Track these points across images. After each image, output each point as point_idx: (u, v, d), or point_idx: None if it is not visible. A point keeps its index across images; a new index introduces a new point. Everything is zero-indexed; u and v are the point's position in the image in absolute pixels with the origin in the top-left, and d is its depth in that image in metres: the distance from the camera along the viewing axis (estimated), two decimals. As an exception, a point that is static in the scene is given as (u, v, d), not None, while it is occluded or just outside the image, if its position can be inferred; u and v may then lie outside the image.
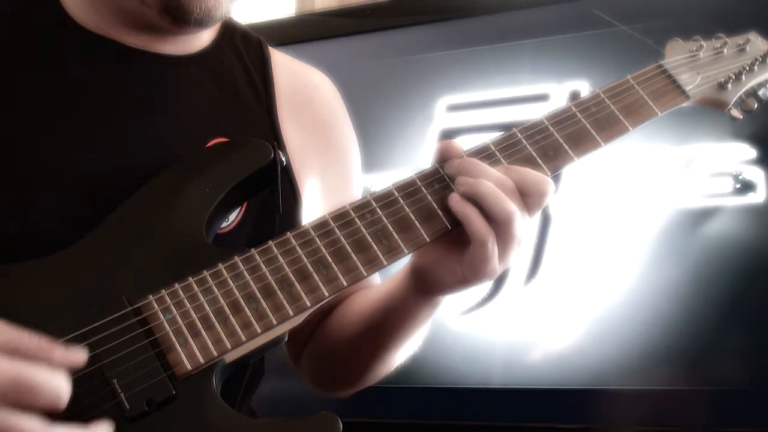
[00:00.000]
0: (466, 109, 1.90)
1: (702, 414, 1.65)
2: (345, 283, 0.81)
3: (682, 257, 1.67)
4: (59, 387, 0.66)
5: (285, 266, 0.80)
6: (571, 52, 1.80)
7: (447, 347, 1.80)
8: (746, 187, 1.64)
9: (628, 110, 0.92)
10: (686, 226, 1.68)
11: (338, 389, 1.08)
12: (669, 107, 0.94)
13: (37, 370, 0.65)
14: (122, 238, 0.82)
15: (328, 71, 1.14)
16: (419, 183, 0.85)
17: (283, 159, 0.90)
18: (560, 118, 0.90)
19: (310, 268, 0.80)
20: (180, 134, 0.93)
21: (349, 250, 0.82)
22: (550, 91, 1.82)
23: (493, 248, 0.81)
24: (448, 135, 1.90)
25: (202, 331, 0.77)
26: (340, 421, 0.77)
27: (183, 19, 0.90)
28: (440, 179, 0.85)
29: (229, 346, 0.77)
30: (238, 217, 0.94)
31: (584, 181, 1.75)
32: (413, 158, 1.90)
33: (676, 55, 0.98)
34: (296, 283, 0.80)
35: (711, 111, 1.01)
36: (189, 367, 0.76)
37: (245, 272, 0.80)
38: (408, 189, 0.85)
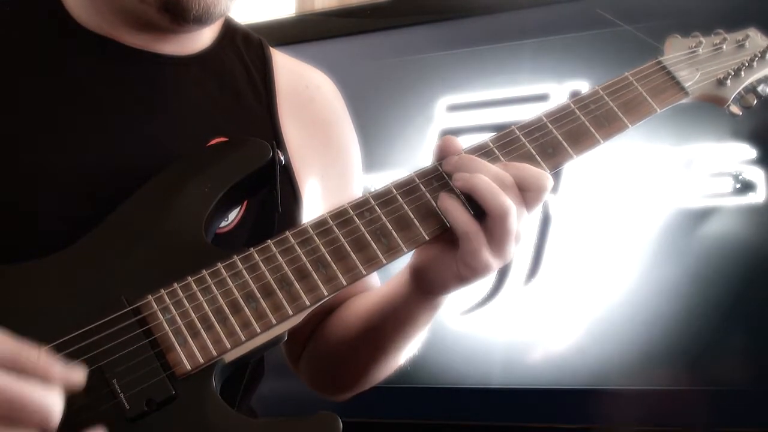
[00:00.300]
0: (466, 109, 1.90)
1: (702, 414, 1.65)
2: (344, 282, 0.81)
3: (682, 257, 1.67)
4: (51, 408, 0.65)
5: (284, 265, 0.80)
6: (571, 52, 1.80)
7: (447, 347, 1.80)
8: (746, 187, 1.64)
9: (627, 107, 0.91)
10: (686, 226, 1.68)
11: (337, 392, 1.08)
12: (668, 104, 0.94)
13: (32, 389, 0.64)
14: (121, 238, 0.82)
15: (328, 71, 1.14)
16: (418, 181, 0.85)
17: (282, 158, 0.90)
18: (559, 116, 0.90)
19: (309, 267, 0.80)
20: (180, 134, 0.93)
21: (348, 249, 0.81)
22: (550, 91, 1.82)
23: (478, 240, 0.80)
24: (448, 135, 1.90)
25: (202, 330, 0.77)
26: (340, 420, 0.76)
27: (182, 17, 0.90)
28: (439, 177, 0.85)
29: (228, 345, 0.77)
30: (238, 217, 0.93)
31: (584, 181, 1.75)
32: (413, 158, 1.90)
33: (675, 52, 0.98)
34: (295, 283, 0.80)
35: (711, 110, 1.01)
36: (188, 367, 0.75)
37: (244, 272, 0.80)
38: (407, 187, 0.85)
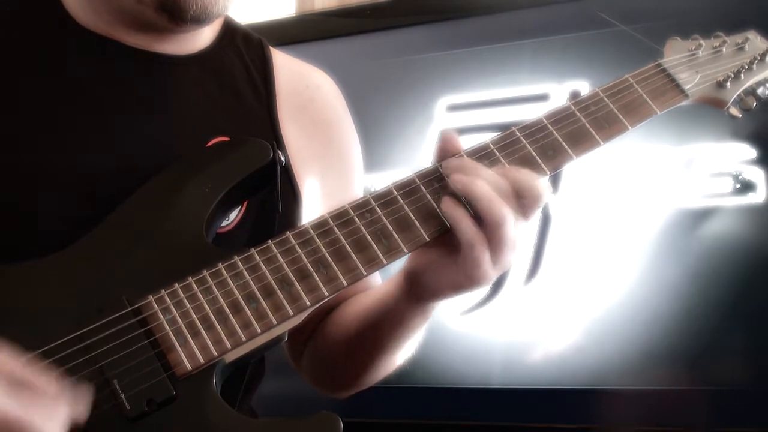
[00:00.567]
0: (466, 109, 1.90)
1: (702, 414, 1.65)
2: (345, 283, 0.81)
3: (682, 257, 1.67)
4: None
5: (285, 266, 0.80)
6: (571, 52, 1.80)
7: (447, 347, 1.80)
8: (746, 187, 1.64)
9: (627, 109, 0.91)
10: (686, 226, 1.68)
11: (337, 390, 1.08)
12: (668, 106, 0.94)
13: (35, 418, 0.64)
14: (122, 238, 0.82)
15: (328, 71, 1.14)
16: (418, 182, 0.85)
17: (282, 159, 0.90)
18: (559, 117, 0.90)
19: (310, 268, 0.80)
20: (180, 134, 0.93)
21: (349, 249, 0.81)
22: (550, 91, 1.82)
23: (482, 252, 0.80)
24: (448, 135, 1.90)
25: (202, 331, 0.77)
26: (340, 420, 0.77)
27: (179, 17, 0.90)
28: (439, 178, 0.85)
29: (229, 346, 0.77)
30: (238, 217, 0.94)
31: (584, 181, 1.75)
32: (413, 158, 1.90)
33: (675, 54, 0.98)
34: (296, 283, 0.80)
35: (711, 111, 1.01)
36: (189, 367, 0.76)
37: (245, 272, 0.80)
38: (407, 188, 0.85)
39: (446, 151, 0.86)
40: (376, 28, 2.00)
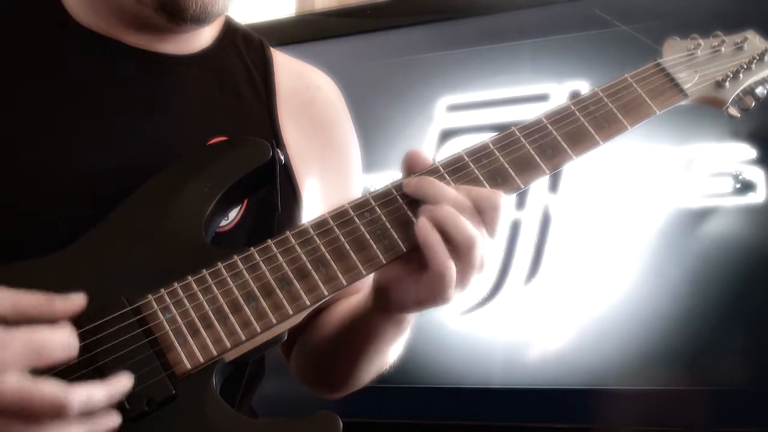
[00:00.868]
0: (466, 109, 1.90)
1: (702, 414, 1.65)
2: (344, 282, 0.81)
3: (682, 257, 1.67)
4: (69, 340, 0.68)
5: (284, 265, 0.80)
6: (571, 52, 1.80)
7: (447, 347, 1.80)
8: (746, 187, 1.64)
9: (626, 109, 0.92)
10: (686, 226, 1.68)
11: (323, 390, 1.08)
12: (667, 105, 0.94)
13: (45, 331, 0.67)
14: (121, 238, 0.82)
15: (328, 71, 1.14)
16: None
17: (282, 158, 0.90)
18: (559, 117, 0.90)
19: (309, 267, 0.81)
20: (180, 134, 0.93)
21: (348, 249, 0.81)
22: (550, 91, 1.82)
23: (451, 277, 0.79)
24: (448, 135, 1.90)
25: (202, 330, 0.77)
26: (340, 420, 0.77)
27: (179, 17, 0.90)
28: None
29: (228, 345, 0.77)
30: (238, 216, 0.94)
31: (584, 181, 1.75)
32: (413, 158, 1.90)
33: (674, 54, 0.98)
34: (295, 282, 0.80)
35: (710, 110, 1.01)
36: (188, 366, 0.76)
37: (244, 271, 0.80)
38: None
39: (412, 169, 0.85)
40: (376, 28, 2.00)
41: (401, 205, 0.84)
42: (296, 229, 0.82)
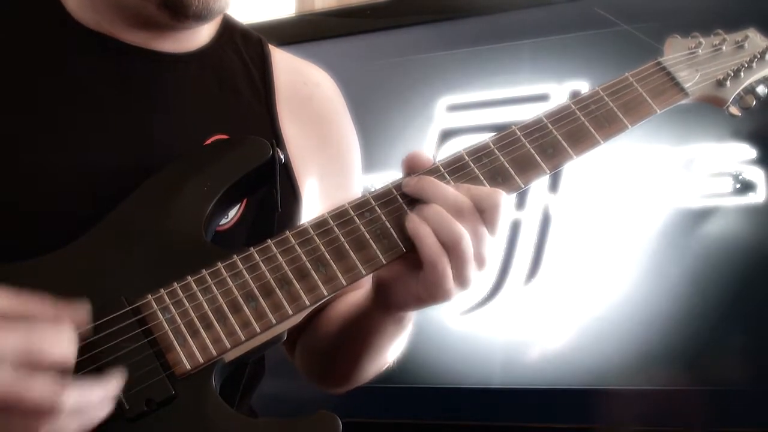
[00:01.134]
0: (466, 109, 1.90)
1: (702, 414, 1.65)
2: (344, 282, 0.81)
3: (682, 257, 1.67)
4: (68, 342, 0.68)
5: (284, 265, 0.80)
6: (571, 52, 1.80)
7: (447, 347, 1.80)
8: (746, 187, 1.64)
9: (627, 108, 0.91)
10: (686, 226, 1.68)
11: (327, 386, 1.08)
12: (668, 104, 0.94)
13: (44, 332, 0.67)
14: (121, 237, 0.82)
15: (328, 71, 1.14)
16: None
17: (282, 157, 0.90)
18: (559, 116, 0.90)
19: (309, 267, 0.80)
20: (180, 132, 0.93)
21: (348, 248, 0.81)
22: (550, 91, 1.82)
23: (444, 270, 0.79)
24: (448, 135, 1.90)
25: (201, 330, 0.77)
26: (339, 420, 0.77)
27: (182, 13, 0.90)
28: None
29: (228, 345, 0.77)
30: (238, 215, 0.94)
31: (584, 181, 1.75)
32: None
33: (674, 52, 0.98)
34: (295, 282, 0.80)
35: (711, 110, 1.01)
36: (188, 366, 0.76)
37: (244, 271, 0.80)
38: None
39: (413, 170, 0.85)
40: (376, 28, 2.00)
41: (401, 205, 0.83)
42: (296, 229, 0.82)
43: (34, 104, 0.89)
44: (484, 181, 0.85)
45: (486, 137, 0.88)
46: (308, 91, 1.08)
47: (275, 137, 0.99)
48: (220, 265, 0.80)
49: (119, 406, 0.73)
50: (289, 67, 1.08)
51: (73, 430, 0.67)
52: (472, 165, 0.86)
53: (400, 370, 1.04)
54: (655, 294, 1.68)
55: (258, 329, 0.78)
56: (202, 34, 1.00)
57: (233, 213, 0.93)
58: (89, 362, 0.73)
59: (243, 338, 0.77)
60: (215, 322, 0.77)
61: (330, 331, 1.01)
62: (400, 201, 0.84)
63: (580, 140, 0.89)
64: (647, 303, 1.68)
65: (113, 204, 0.83)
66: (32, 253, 0.79)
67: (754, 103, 0.99)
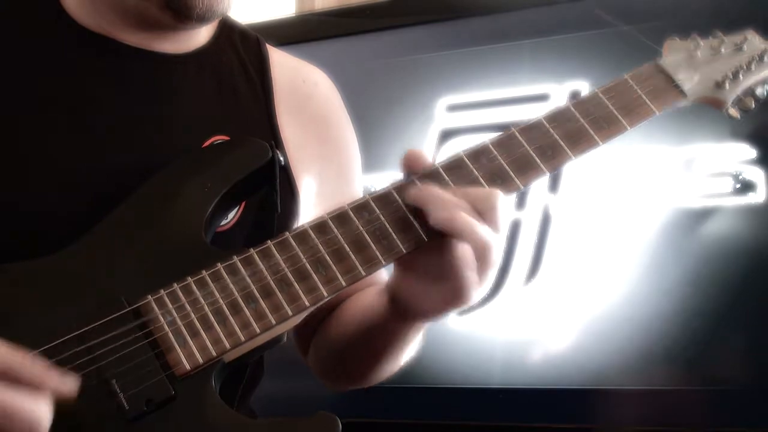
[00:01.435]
0: (466, 109, 1.90)
1: (702, 414, 1.65)
2: (344, 284, 0.81)
3: (682, 257, 1.67)
4: (39, 420, 0.66)
5: (284, 266, 0.80)
6: (571, 52, 1.80)
7: (447, 347, 1.80)
8: (746, 187, 1.64)
9: (626, 109, 0.91)
10: (686, 226, 1.68)
11: (342, 385, 1.08)
12: (667, 106, 0.94)
13: (21, 399, 0.65)
14: (121, 238, 0.82)
15: (328, 71, 1.14)
16: (417, 183, 0.85)
17: (281, 159, 0.90)
18: (558, 118, 0.90)
19: (309, 268, 0.80)
20: (179, 133, 0.94)
21: (348, 250, 0.81)
22: (550, 91, 1.81)
23: (473, 271, 0.79)
24: (448, 135, 1.90)
25: (201, 331, 0.77)
26: (339, 421, 0.77)
27: (185, 15, 0.90)
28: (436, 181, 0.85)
29: (228, 346, 0.77)
30: (237, 215, 0.94)
31: (584, 181, 1.75)
32: (413, 158, 1.90)
33: (673, 54, 0.97)
34: (295, 283, 0.80)
35: (710, 111, 1.01)
36: (188, 367, 0.76)
37: (244, 272, 0.80)
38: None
39: (412, 169, 0.85)
40: (376, 28, 2.00)
41: (400, 206, 0.83)
42: (296, 231, 0.82)
43: (34, 105, 0.90)
44: (483, 183, 0.85)
45: (486, 138, 0.88)
46: (306, 90, 1.08)
47: (274, 137, 0.99)
48: (220, 266, 0.80)
49: (119, 406, 0.73)
50: (287, 67, 1.08)
51: None
52: (471, 166, 0.86)
53: (400, 370, 1.05)
54: (655, 294, 1.68)
55: (258, 330, 0.78)
56: (200, 35, 1.00)
57: (233, 214, 0.93)
58: (89, 363, 0.73)
59: (243, 339, 0.78)
60: (215, 323, 0.77)
61: (345, 333, 1.00)
62: (400, 202, 0.84)
63: (579, 142, 0.89)
64: (647, 303, 1.68)
65: (113, 205, 0.84)
66: (32, 253, 0.79)
67: (754, 105, 0.99)
